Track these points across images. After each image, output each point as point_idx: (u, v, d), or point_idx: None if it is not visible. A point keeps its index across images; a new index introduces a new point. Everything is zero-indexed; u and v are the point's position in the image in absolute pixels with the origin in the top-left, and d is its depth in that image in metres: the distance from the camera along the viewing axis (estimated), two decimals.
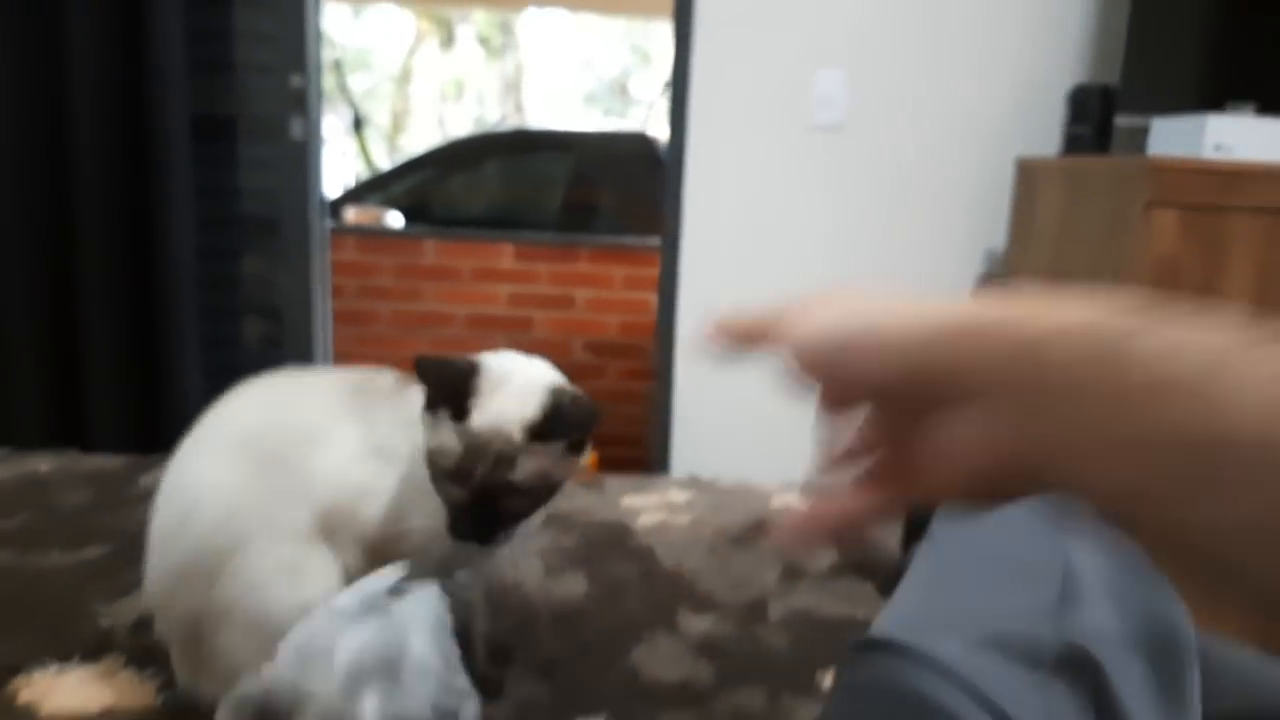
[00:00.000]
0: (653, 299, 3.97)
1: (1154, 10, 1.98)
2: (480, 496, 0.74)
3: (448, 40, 10.04)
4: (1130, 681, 0.53)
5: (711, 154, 2.29)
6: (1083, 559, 0.63)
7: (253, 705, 0.65)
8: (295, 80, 2.32)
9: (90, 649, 0.78)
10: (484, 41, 10.08)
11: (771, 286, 2.32)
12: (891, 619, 0.58)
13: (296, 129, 2.35)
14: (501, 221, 4.65)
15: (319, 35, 2.37)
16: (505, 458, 0.75)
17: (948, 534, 0.68)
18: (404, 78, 9.88)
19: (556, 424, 0.77)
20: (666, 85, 2.36)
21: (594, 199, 4.78)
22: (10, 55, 2.08)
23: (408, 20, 9.56)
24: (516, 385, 0.77)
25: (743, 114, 2.27)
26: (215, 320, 2.31)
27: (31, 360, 2.18)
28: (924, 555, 0.66)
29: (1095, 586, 0.59)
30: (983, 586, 0.61)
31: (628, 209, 4.61)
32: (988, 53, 2.21)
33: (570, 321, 4.13)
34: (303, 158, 2.39)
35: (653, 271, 3.96)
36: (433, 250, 4.12)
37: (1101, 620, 0.56)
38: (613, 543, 1.08)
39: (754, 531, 1.13)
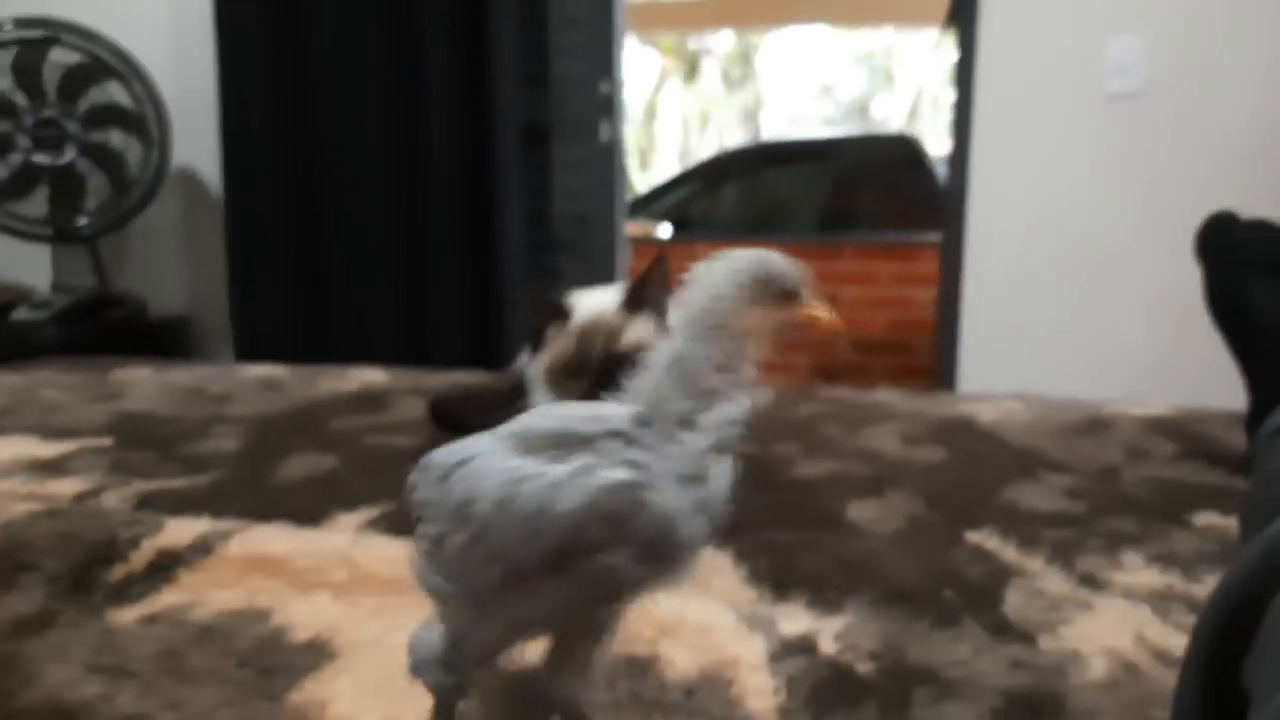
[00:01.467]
0: (922, 295, 3.97)
1: None
2: (601, 378, 0.72)
3: (691, 74, 10.45)
4: None
5: (998, 137, 2.29)
6: None
7: None
8: (603, 86, 2.60)
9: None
10: (725, 74, 10.40)
11: (1063, 272, 2.29)
12: None
13: (604, 132, 2.63)
14: (764, 227, 4.83)
15: (624, 44, 2.64)
16: (612, 331, 0.85)
17: None
18: (649, 114, 10.37)
19: (643, 291, 0.87)
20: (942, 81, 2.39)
21: (855, 201, 4.84)
22: (380, 75, 2.48)
23: (653, 58, 10.04)
24: (597, 293, 0.89)
25: (1029, 90, 2.26)
26: None
27: (394, 333, 2.57)
28: None
29: None
30: None
31: (891, 209, 4.64)
32: None
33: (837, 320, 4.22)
34: (609, 158, 2.66)
35: (922, 267, 3.97)
36: (703, 255, 4.34)
37: None
38: (961, 429, 1.17)
39: (1095, 424, 1.19)
